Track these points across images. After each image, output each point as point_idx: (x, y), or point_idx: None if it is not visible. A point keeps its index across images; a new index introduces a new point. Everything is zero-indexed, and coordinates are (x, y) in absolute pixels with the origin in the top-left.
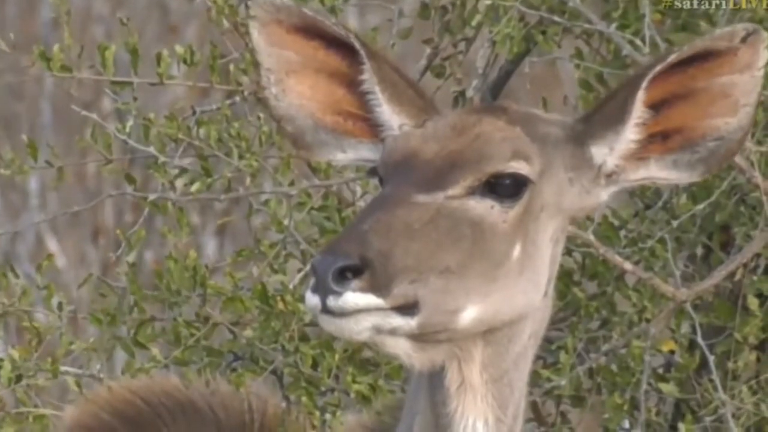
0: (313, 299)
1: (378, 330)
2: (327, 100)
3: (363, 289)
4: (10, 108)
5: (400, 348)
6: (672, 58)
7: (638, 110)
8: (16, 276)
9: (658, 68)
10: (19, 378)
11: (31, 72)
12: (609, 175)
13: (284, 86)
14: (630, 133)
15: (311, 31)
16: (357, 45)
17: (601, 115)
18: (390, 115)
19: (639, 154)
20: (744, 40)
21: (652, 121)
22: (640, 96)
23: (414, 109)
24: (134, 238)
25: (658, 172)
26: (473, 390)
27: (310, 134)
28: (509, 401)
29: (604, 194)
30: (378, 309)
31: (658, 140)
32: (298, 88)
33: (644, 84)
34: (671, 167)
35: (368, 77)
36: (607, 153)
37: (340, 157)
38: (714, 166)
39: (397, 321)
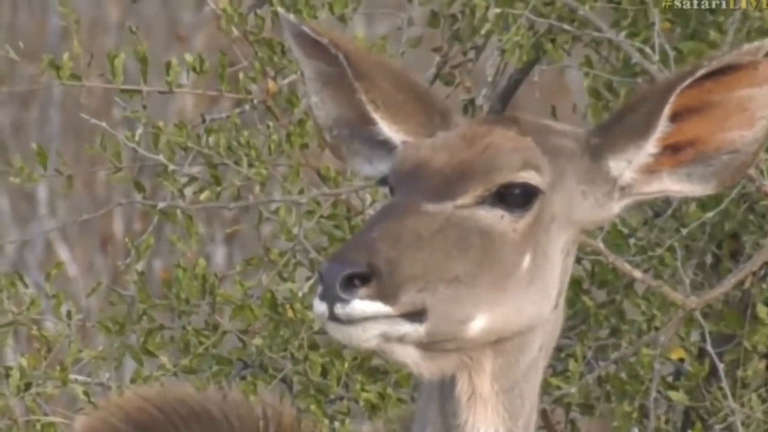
0: (320, 306)
1: (386, 337)
2: (360, 111)
3: (370, 297)
4: (19, 116)
5: (409, 356)
6: (701, 72)
7: (663, 124)
8: (25, 285)
9: (688, 82)
10: (28, 386)
11: (41, 80)
12: (623, 188)
13: (323, 96)
14: (650, 147)
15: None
16: (345, 64)
17: (622, 128)
18: (389, 132)
19: (652, 167)
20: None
21: (666, 134)
22: (667, 110)
23: (412, 125)
24: (143, 247)
25: (672, 185)
26: (484, 401)
27: (346, 144)
28: (520, 412)
29: (616, 207)
30: (386, 317)
31: (669, 153)
32: (334, 98)
33: (672, 98)
34: (685, 180)
35: (360, 97)
36: (625, 166)
37: (367, 169)
38: (728, 179)
39: (406, 328)
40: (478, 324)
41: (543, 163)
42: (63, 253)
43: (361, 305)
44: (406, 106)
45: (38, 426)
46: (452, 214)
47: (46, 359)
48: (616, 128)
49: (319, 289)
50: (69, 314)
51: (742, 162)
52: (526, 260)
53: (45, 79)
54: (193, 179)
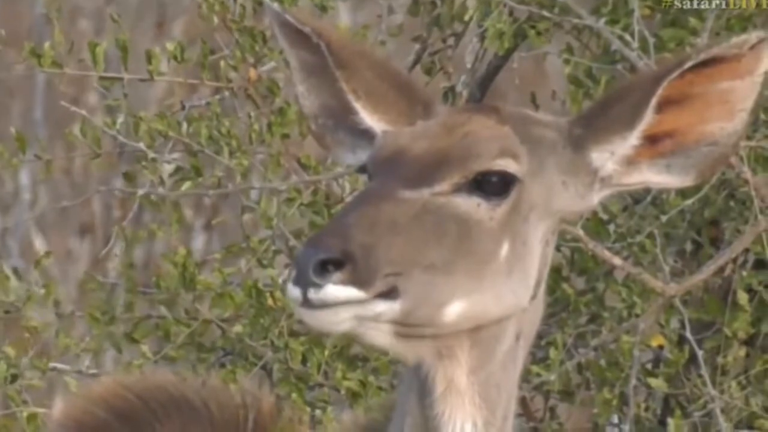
0: (294, 291)
1: (360, 319)
2: (343, 100)
3: (344, 282)
4: (3, 103)
5: (383, 339)
6: (689, 63)
7: (649, 116)
8: (18, 278)
9: (676, 73)
10: (14, 378)
11: (23, 67)
12: (603, 179)
13: (308, 85)
14: (634, 138)
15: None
16: (326, 53)
17: (606, 118)
18: (370, 122)
19: (632, 159)
20: (753, 47)
21: (647, 125)
22: (654, 101)
23: (393, 114)
24: (131, 237)
25: (652, 176)
26: (460, 393)
27: (330, 134)
28: (497, 403)
29: (596, 198)
30: (359, 301)
31: (647, 144)
32: (319, 88)
33: (660, 90)
34: (664, 171)
35: (341, 86)
36: (608, 157)
37: (351, 159)
38: (707, 171)
39: (381, 307)
40: (455, 310)
41: (521, 151)
42: (38, 241)
43: (334, 290)
44: (388, 96)
45: (19, 417)
46: (429, 201)
47: (32, 349)
48: (600, 119)
49: (293, 273)
50: (56, 303)
51: (722, 154)
52: (504, 249)
53: (26, 66)
54: (177, 169)
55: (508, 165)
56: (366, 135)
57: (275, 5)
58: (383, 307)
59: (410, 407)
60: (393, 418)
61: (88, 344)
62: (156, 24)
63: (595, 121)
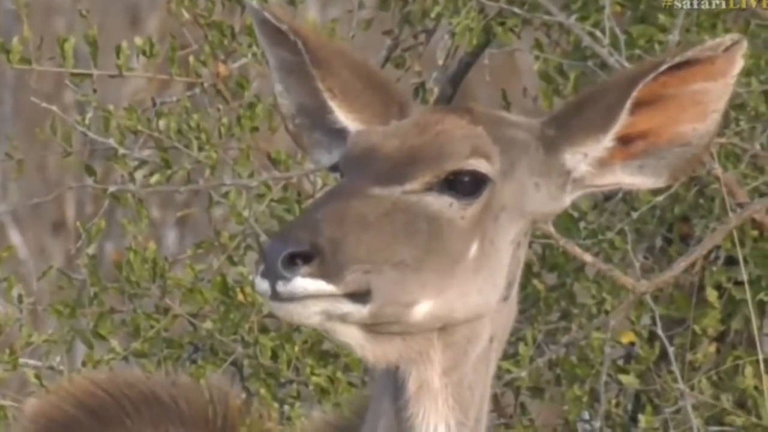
0: (262, 284)
1: (328, 315)
2: (320, 99)
3: (313, 275)
4: None
5: (352, 337)
6: (665, 66)
7: (623, 118)
8: None
9: (651, 76)
10: None
11: None
12: (576, 181)
13: (287, 85)
14: (608, 141)
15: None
16: (302, 51)
17: (580, 120)
18: (345, 121)
19: (605, 160)
20: (727, 49)
21: (621, 126)
22: (629, 104)
23: (368, 114)
24: (94, 230)
25: (625, 177)
26: (433, 394)
27: (307, 134)
28: (470, 405)
29: (568, 199)
30: (329, 295)
31: (620, 145)
32: (297, 87)
33: (635, 92)
34: (637, 173)
35: (317, 84)
36: (581, 159)
37: (326, 159)
38: (680, 172)
39: (348, 307)
40: (423, 308)
41: (493, 152)
42: (15, 236)
43: (303, 283)
44: (364, 95)
45: None
46: (399, 199)
47: None
48: (573, 120)
49: (261, 267)
50: (20, 298)
51: (694, 155)
52: (473, 248)
53: None
54: (143, 163)
55: (480, 165)
56: (341, 135)
57: (254, 3)
58: (351, 308)
59: (384, 409)
60: (367, 420)
61: (50, 336)
62: (130, 20)
63: (569, 123)
